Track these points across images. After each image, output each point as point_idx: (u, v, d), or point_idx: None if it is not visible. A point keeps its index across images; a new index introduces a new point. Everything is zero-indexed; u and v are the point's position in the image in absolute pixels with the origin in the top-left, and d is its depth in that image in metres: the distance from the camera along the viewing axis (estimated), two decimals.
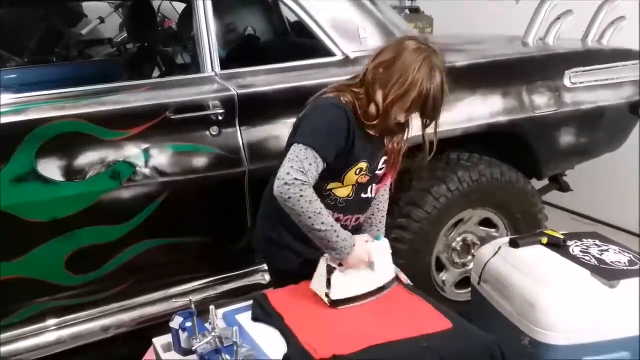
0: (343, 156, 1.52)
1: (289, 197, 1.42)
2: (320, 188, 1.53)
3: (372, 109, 1.51)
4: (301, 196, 1.42)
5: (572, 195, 2.89)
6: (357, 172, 1.57)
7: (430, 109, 1.50)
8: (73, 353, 1.95)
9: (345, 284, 1.50)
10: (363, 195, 1.63)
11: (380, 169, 1.65)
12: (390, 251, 1.60)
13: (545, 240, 1.88)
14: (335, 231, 1.46)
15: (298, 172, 1.42)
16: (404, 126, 1.60)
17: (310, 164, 1.44)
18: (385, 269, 1.59)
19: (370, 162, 1.58)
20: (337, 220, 1.58)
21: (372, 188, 1.66)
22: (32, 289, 1.81)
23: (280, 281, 1.68)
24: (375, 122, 1.52)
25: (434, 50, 1.49)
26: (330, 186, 1.57)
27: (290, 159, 1.45)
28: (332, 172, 1.53)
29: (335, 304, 1.49)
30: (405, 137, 1.62)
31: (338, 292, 1.49)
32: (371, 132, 1.56)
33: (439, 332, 1.39)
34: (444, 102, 1.51)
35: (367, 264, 1.53)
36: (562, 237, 1.90)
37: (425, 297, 1.56)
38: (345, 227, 1.58)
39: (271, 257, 1.76)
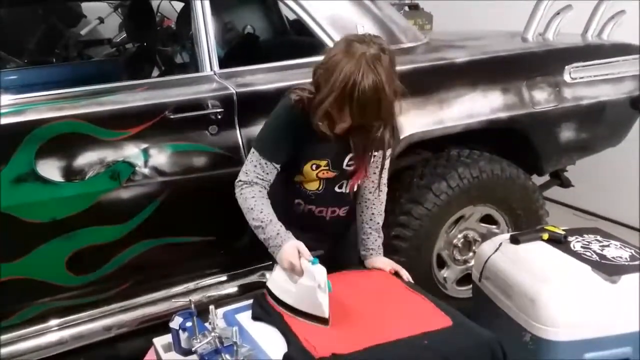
0: (294, 152, 1.62)
1: (236, 195, 1.61)
2: (288, 180, 1.68)
3: (320, 111, 1.49)
4: (240, 194, 1.60)
5: (573, 191, 2.88)
6: (313, 168, 1.64)
7: (361, 111, 1.44)
8: (75, 353, 1.95)
9: (280, 282, 1.52)
10: (337, 190, 1.70)
11: (349, 165, 1.66)
12: (323, 281, 1.43)
13: (545, 236, 1.88)
14: (263, 228, 1.55)
15: (243, 173, 1.62)
16: (366, 128, 1.54)
17: (255, 166, 1.61)
18: (306, 296, 1.45)
19: (331, 159, 1.63)
20: (310, 211, 1.71)
21: (345, 184, 1.70)
22: (33, 289, 1.81)
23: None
24: (324, 123, 1.51)
25: (372, 48, 1.43)
26: (296, 179, 1.68)
27: (247, 160, 1.64)
28: (291, 166, 1.65)
29: (269, 294, 1.55)
30: (370, 138, 1.56)
31: (272, 283, 1.56)
32: (328, 131, 1.54)
33: (439, 329, 1.39)
34: (390, 105, 1.45)
35: (292, 271, 1.49)
36: (562, 232, 1.89)
37: (425, 294, 1.56)
38: (321, 217, 1.71)
39: None
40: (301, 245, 1.51)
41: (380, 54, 1.44)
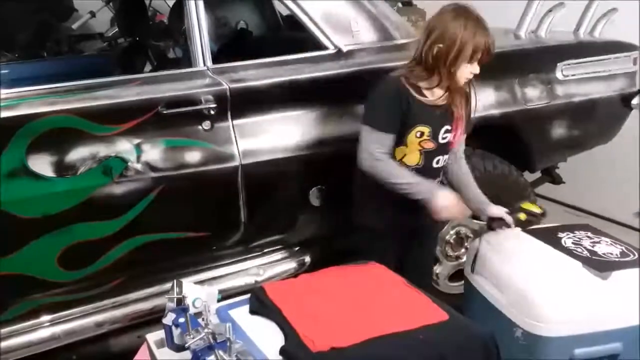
0: (402, 120, 1.76)
1: (372, 175, 1.78)
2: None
3: (435, 78, 1.75)
4: (375, 173, 1.77)
5: (565, 188, 2.90)
6: (418, 135, 1.77)
7: (484, 54, 1.71)
8: (67, 349, 1.95)
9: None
10: (434, 165, 1.84)
11: (444, 138, 1.81)
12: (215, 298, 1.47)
13: (523, 216, 1.90)
14: (412, 184, 1.76)
15: (364, 156, 1.77)
16: (465, 92, 1.81)
17: (373, 142, 1.76)
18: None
19: (432, 126, 1.78)
20: None
21: (442, 158, 1.85)
22: (25, 285, 1.80)
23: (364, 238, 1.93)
24: (441, 85, 1.76)
25: (467, 9, 1.73)
26: (398, 154, 1.81)
27: (364, 139, 1.78)
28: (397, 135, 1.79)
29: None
30: (468, 104, 1.83)
31: None
32: (432, 101, 1.78)
33: (436, 323, 1.39)
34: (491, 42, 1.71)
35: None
36: (540, 210, 1.93)
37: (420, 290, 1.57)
38: None
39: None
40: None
41: (471, 10, 1.74)
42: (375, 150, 1.76)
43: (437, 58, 1.72)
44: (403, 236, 1.95)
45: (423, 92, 1.78)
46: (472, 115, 1.91)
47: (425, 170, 1.83)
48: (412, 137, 1.78)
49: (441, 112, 1.80)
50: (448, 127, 1.81)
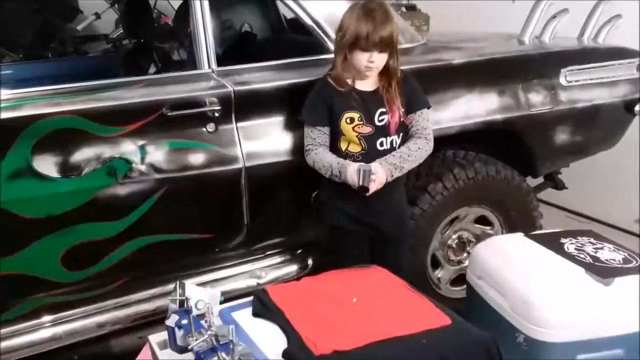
0: (329, 112, 1.88)
1: (309, 161, 1.90)
2: (338, 150, 1.90)
3: (339, 66, 1.86)
4: (310, 161, 1.89)
5: (567, 193, 2.90)
6: (348, 122, 1.86)
7: (368, 39, 1.76)
8: (68, 350, 1.95)
9: None
10: (379, 148, 1.89)
11: (381, 120, 1.87)
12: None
13: None
14: (332, 164, 1.85)
15: (305, 147, 1.91)
16: (387, 71, 1.87)
17: (307, 136, 1.91)
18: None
19: (362, 112, 1.86)
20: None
21: (385, 140, 1.89)
22: (27, 285, 1.80)
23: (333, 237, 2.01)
24: (346, 73, 1.86)
25: (369, 3, 1.81)
26: (342, 145, 1.90)
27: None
28: (332, 128, 1.89)
29: None
30: (391, 83, 1.87)
31: None
32: (361, 88, 1.88)
33: (438, 327, 1.40)
34: (381, 25, 1.76)
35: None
36: None
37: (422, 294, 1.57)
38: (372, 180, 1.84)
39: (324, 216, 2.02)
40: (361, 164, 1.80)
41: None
42: (307, 145, 1.90)
43: (334, 45, 1.91)
44: (372, 235, 1.97)
45: (349, 82, 1.87)
46: (417, 95, 1.95)
47: (371, 154, 1.87)
48: (344, 124, 1.86)
49: (372, 98, 1.88)
50: (383, 109, 1.87)
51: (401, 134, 1.92)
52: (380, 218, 1.94)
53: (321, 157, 1.87)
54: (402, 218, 2.04)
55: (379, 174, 1.81)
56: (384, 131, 1.88)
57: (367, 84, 1.90)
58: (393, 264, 1.93)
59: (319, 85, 1.91)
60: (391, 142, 1.90)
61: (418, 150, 1.91)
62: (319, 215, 2.02)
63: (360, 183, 1.76)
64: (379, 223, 1.96)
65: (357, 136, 1.87)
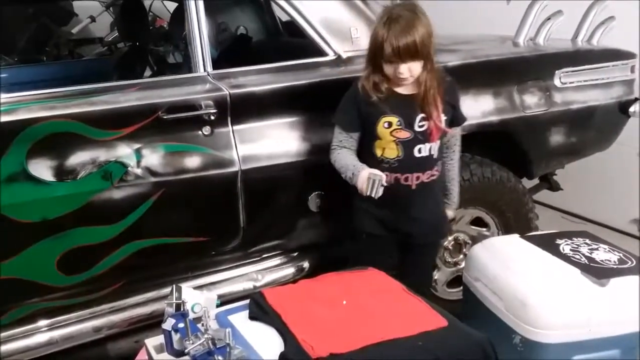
0: (364, 117, 1.83)
1: (331, 160, 1.89)
2: (373, 155, 1.85)
3: (368, 77, 1.81)
4: (332, 160, 1.89)
5: (562, 194, 2.91)
6: (386, 126, 1.80)
7: (389, 50, 1.70)
8: (65, 354, 1.94)
9: None
10: (417, 155, 1.83)
11: (421, 126, 1.81)
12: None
13: None
14: (347, 166, 1.83)
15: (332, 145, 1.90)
16: (438, 81, 1.81)
17: (335, 136, 1.89)
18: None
19: (402, 116, 1.80)
20: (397, 180, 1.84)
21: (424, 147, 1.83)
22: (23, 289, 1.80)
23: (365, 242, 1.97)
24: (382, 80, 1.79)
25: (396, 8, 1.75)
26: (377, 150, 1.84)
27: None
28: (368, 133, 1.85)
29: None
30: (431, 89, 1.79)
31: None
32: (401, 92, 1.82)
33: (434, 329, 1.40)
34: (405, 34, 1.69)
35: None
36: None
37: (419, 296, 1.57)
38: (408, 187, 1.85)
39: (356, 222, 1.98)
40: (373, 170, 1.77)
41: (400, 7, 1.75)
42: (333, 144, 1.88)
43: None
44: (400, 242, 1.96)
45: (386, 85, 1.81)
46: (459, 109, 1.94)
47: (407, 161, 1.83)
48: (381, 128, 1.81)
49: (412, 102, 1.81)
50: (423, 115, 1.81)
51: (439, 142, 1.88)
52: (415, 226, 1.92)
53: (342, 157, 1.85)
54: (435, 225, 2.00)
55: (450, 217, 1.99)
56: (423, 137, 1.83)
57: (405, 87, 1.82)
58: (422, 270, 2.01)
59: (353, 88, 1.86)
60: (429, 149, 1.85)
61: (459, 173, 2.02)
62: (353, 219, 1.97)
63: (368, 193, 1.72)
64: (414, 231, 1.93)
65: (394, 141, 1.82)
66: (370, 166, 1.81)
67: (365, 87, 1.81)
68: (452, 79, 1.90)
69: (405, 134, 1.81)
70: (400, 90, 1.82)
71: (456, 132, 1.96)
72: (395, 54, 1.70)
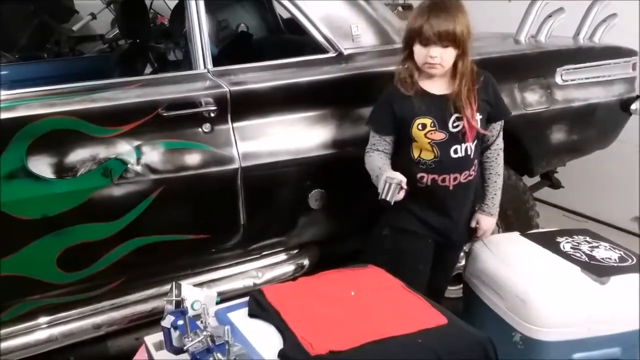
0: (398, 119, 1.81)
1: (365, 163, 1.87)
2: (410, 158, 1.83)
3: (411, 67, 1.79)
4: (365, 162, 1.87)
5: (564, 192, 2.90)
6: (420, 128, 1.78)
7: (424, 31, 1.69)
8: (64, 351, 1.94)
9: None
10: (453, 155, 1.81)
11: (456, 126, 1.79)
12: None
13: None
14: (373, 169, 1.82)
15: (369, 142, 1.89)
16: (457, 73, 1.77)
17: (370, 139, 1.89)
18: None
19: (436, 117, 1.78)
20: (434, 181, 1.83)
21: (460, 148, 1.81)
22: (23, 286, 1.80)
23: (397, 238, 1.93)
24: (414, 68, 1.78)
25: None
26: (415, 152, 1.82)
27: None
28: (404, 136, 1.83)
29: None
30: (464, 86, 1.76)
31: None
32: (434, 92, 1.80)
33: (434, 327, 1.39)
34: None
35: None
36: None
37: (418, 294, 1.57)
38: (445, 188, 1.83)
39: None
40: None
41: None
42: (367, 147, 1.88)
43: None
44: (437, 240, 1.93)
45: (422, 86, 1.80)
46: (500, 103, 1.90)
47: (444, 162, 1.80)
48: (415, 130, 1.79)
49: (445, 102, 1.79)
50: (458, 114, 1.78)
51: (476, 142, 1.84)
52: (454, 227, 1.92)
53: (372, 160, 1.83)
54: (468, 225, 1.99)
55: (490, 225, 1.95)
56: (458, 138, 1.80)
57: (438, 87, 1.80)
58: (449, 268, 2.03)
59: (386, 92, 1.85)
60: (466, 150, 1.81)
61: (502, 172, 1.94)
62: (388, 216, 1.92)
63: (383, 197, 1.66)
64: (451, 231, 1.92)
65: (429, 143, 1.79)
66: (408, 168, 1.80)
67: (400, 75, 1.81)
68: (487, 75, 1.87)
69: (439, 135, 1.78)
70: (433, 90, 1.80)
71: (494, 129, 1.90)
72: (435, 34, 1.68)
